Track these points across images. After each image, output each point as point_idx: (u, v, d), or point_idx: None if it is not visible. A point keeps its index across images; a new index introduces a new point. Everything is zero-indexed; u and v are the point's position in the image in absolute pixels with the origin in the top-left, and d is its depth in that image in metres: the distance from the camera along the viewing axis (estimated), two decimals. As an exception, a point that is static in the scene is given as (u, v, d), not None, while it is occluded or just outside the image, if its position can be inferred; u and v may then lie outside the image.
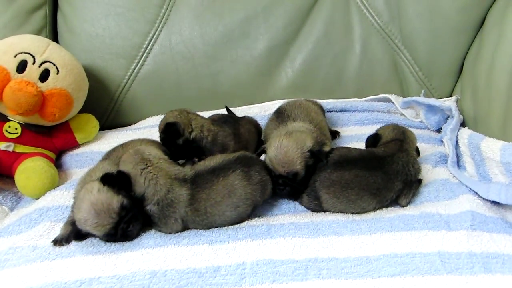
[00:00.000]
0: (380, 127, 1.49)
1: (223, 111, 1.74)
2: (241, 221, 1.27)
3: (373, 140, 1.45)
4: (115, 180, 1.21)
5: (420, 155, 1.48)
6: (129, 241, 1.20)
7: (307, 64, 1.86)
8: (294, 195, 1.34)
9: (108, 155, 1.44)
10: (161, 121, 1.46)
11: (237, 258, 1.12)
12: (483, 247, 1.12)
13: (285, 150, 1.29)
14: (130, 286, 1.06)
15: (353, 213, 1.30)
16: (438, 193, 1.37)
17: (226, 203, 1.24)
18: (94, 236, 1.20)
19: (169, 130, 1.41)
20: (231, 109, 1.75)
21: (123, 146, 1.46)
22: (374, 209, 1.31)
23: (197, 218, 1.23)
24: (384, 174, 1.31)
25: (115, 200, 1.17)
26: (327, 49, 1.86)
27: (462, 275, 1.05)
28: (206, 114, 1.74)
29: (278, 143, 1.31)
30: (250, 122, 1.65)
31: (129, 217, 1.19)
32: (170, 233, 1.24)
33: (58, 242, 1.21)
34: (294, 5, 1.84)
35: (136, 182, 1.22)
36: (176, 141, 1.42)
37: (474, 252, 1.10)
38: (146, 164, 1.24)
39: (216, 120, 1.56)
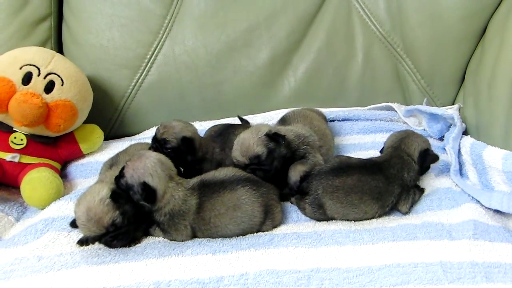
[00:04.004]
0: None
1: (227, 121, 1.76)
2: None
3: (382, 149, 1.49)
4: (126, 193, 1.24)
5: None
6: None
7: (310, 73, 1.86)
8: (268, 178, 1.36)
9: (113, 163, 1.46)
10: (167, 129, 1.43)
11: (240, 268, 1.12)
12: (485, 256, 1.12)
13: (242, 141, 1.37)
14: (134, 296, 1.07)
15: (355, 218, 1.31)
16: (440, 202, 1.38)
17: (230, 216, 1.25)
18: None
19: (186, 145, 1.42)
20: (236, 119, 1.78)
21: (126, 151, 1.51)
22: (376, 214, 1.33)
23: (202, 227, 1.25)
24: (384, 178, 1.34)
25: (108, 216, 1.19)
26: (329, 58, 1.86)
27: (464, 285, 1.05)
28: (210, 123, 1.76)
29: (237, 139, 1.38)
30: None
31: (117, 233, 1.21)
32: (182, 240, 1.26)
33: (83, 242, 1.25)
34: (296, 14, 1.85)
35: (159, 196, 1.24)
36: (187, 157, 1.43)
37: (476, 262, 1.11)
38: (171, 180, 1.26)
39: (213, 134, 1.60)
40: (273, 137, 1.36)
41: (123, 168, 1.25)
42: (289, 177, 1.38)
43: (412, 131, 1.51)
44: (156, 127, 1.79)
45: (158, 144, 1.42)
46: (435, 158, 1.43)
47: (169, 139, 1.40)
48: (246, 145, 1.35)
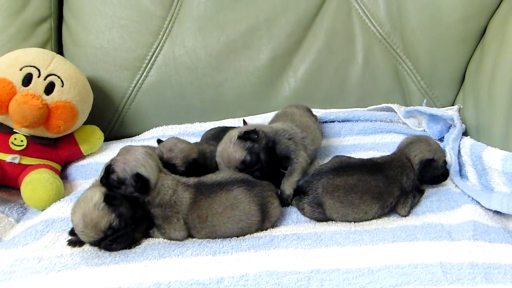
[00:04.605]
0: None
1: (226, 122, 1.78)
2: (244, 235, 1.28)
3: None
4: (118, 194, 1.24)
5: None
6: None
7: (310, 74, 1.86)
8: (266, 176, 1.37)
9: None
10: (174, 154, 1.40)
11: (240, 269, 1.12)
12: (485, 257, 1.12)
13: (221, 154, 1.38)
14: (134, 297, 1.06)
15: (355, 218, 1.31)
16: (440, 203, 1.38)
17: (228, 215, 1.25)
18: None
19: (195, 167, 1.41)
20: (236, 120, 1.78)
21: None
22: (376, 215, 1.32)
23: (198, 225, 1.26)
24: (385, 178, 1.34)
25: (105, 220, 1.19)
26: (329, 59, 1.86)
27: (463, 286, 1.04)
28: (210, 124, 1.77)
29: (216, 153, 1.40)
30: None
31: (115, 236, 1.21)
32: (176, 237, 1.27)
33: (73, 243, 1.26)
34: (296, 15, 1.85)
35: (152, 186, 1.25)
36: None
37: (476, 263, 1.10)
38: (160, 171, 1.28)
39: (210, 137, 1.61)
40: (245, 136, 1.36)
41: (109, 166, 1.26)
42: (283, 191, 1.40)
43: (426, 137, 1.49)
44: (157, 128, 1.83)
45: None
46: (437, 171, 1.41)
47: (179, 164, 1.39)
48: (226, 156, 1.36)
